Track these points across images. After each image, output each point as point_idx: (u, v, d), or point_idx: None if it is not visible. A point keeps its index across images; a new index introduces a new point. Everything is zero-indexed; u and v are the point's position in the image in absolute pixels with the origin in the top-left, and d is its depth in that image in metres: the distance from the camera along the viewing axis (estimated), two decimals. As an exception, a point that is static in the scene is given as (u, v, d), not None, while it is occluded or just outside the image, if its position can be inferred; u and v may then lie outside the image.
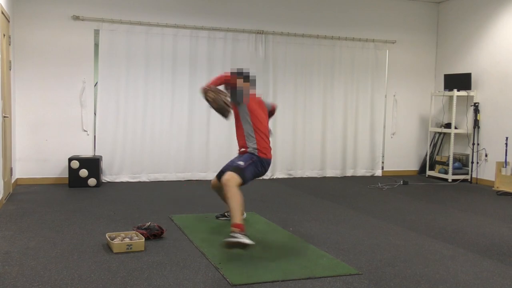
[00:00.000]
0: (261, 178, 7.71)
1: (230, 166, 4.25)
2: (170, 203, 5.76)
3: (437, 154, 8.59)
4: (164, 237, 4.21)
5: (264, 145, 4.34)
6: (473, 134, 7.88)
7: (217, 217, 4.98)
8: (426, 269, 3.55)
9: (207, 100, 4.23)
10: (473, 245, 4.24)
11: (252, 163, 4.23)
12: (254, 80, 4.40)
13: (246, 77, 4.30)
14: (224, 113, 4.24)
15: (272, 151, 8.08)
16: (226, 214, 4.95)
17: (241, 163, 4.18)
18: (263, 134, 4.36)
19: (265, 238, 4.31)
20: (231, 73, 4.33)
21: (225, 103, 4.19)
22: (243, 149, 4.39)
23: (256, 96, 4.50)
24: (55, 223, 4.62)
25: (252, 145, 4.31)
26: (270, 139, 4.47)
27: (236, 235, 3.72)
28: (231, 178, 4.02)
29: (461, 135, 8.15)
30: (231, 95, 4.25)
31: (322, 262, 3.65)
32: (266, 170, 4.44)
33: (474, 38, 8.01)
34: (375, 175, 8.47)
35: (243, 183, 4.12)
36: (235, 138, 4.51)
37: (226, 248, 3.73)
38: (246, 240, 3.71)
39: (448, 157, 8.02)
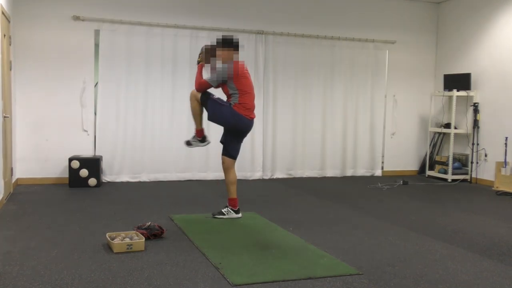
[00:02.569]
0: (261, 178, 7.76)
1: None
2: (170, 203, 5.77)
3: (436, 154, 8.59)
4: (164, 237, 4.22)
5: (247, 105, 4.74)
6: (473, 134, 7.88)
7: (213, 215, 5.00)
8: (426, 269, 3.56)
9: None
10: (473, 245, 4.24)
11: (222, 104, 4.74)
12: (243, 46, 4.93)
13: (236, 47, 4.74)
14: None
15: (272, 151, 8.15)
16: (223, 211, 5.01)
17: (216, 95, 4.80)
18: (248, 97, 4.75)
19: (265, 238, 4.31)
20: (217, 42, 4.75)
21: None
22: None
23: (240, 62, 4.80)
24: (55, 223, 4.63)
25: (234, 99, 4.73)
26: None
27: (192, 140, 5.09)
28: (192, 93, 4.84)
29: (461, 135, 8.16)
30: (217, 80, 4.72)
31: (322, 262, 3.65)
32: (238, 123, 4.79)
33: (474, 38, 8.01)
34: (375, 175, 8.48)
35: (207, 106, 4.78)
36: None
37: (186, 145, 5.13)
38: (199, 144, 5.13)
39: (448, 157, 8.03)
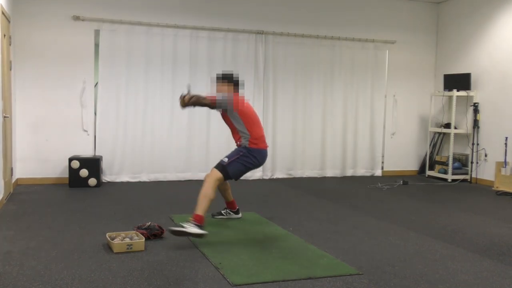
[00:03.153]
0: (261, 178, 7.76)
1: (218, 162, 4.47)
2: (170, 203, 5.77)
3: (436, 154, 8.59)
4: (164, 237, 4.22)
5: (257, 135, 4.48)
6: (473, 134, 7.88)
7: (213, 216, 5.00)
8: (426, 269, 3.56)
9: (188, 104, 4.30)
10: (473, 245, 4.24)
11: (238, 158, 4.39)
12: (243, 83, 4.66)
13: (236, 83, 4.54)
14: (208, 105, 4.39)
15: (272, 151, 8.14)
16: (222, 212, 5.01)
17: (226, 159, 4.42)
18: (256, 127, 4.51)
19: (265, 238, 4.31)
20: (217, 78, 4.55)
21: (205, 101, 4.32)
22: (238, 143, 4.57)
23: (242, 97, 4.60)
24: (56, 223, 4.63)
25: (245, 136, 4.45)
26: None
27: (187, 224, 4.02)
28: (210, 174, 4.34)
29: (461, 135, 8.16)
30: (219, 106, 4.36)
31: (322, 262, 3.65)
32: (260, 160, 4.53)
33: (473, 38, 8.01)
34: (375, 175, 8.48)
35: (231, 178, 4.45)
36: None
37: (173, 235, 4.02)
38: (197, 230, 4.00)
39: (448, 157, 8.03)
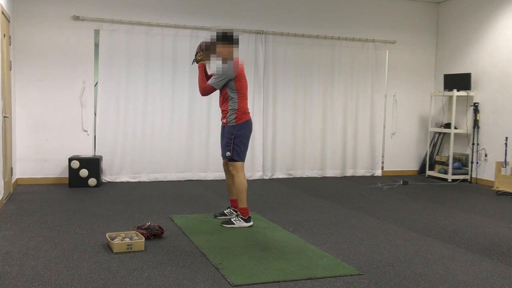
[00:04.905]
0: (261, 178, 7.77)
1: (224, 155, 4.67)
2: (170, 203, 5.76)
3: (437, 154, 8.59)
4: (164, 237, 4.22)
5: (244, 109, 4.55)
6: (473, 134, 7.89)
7: (215, 216, 4.98)
8: (426, 269, 3.56)
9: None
10: (473, 245, 4.24)
11: (235, 144, 4.51)
12: (238, 40, 4.47)
13: (236, 42, 4.44)
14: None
15: (272, 151, 8.15)
16: (225, 212, 4.98)
17: (228, 153, 4.56)
18: (245, 99, 4.57)
19: (265, 238, 4.31)
20: (218, 37, 4.38)
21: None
22: (223, 120, 4.64)
23: (240, 61, 4.55)
24: (55, 223, 4.63)
25: (232, 110, 4.50)
26: None
27: (235, 220, 4.60)
28: (234, 168, 4.57)
29: (461, 135, 8.16)
30: (224, 82, 4.45)
31: (322, 262, 3.65)
32: (250, 130, 4.65)
33: (474, 38, 8.01)
34: (375, 175, 8.48)
35: (243, 161, 4.61)
36: None
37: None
38: (245, 224, 4.59)
39: (448, 157, 8.03)
